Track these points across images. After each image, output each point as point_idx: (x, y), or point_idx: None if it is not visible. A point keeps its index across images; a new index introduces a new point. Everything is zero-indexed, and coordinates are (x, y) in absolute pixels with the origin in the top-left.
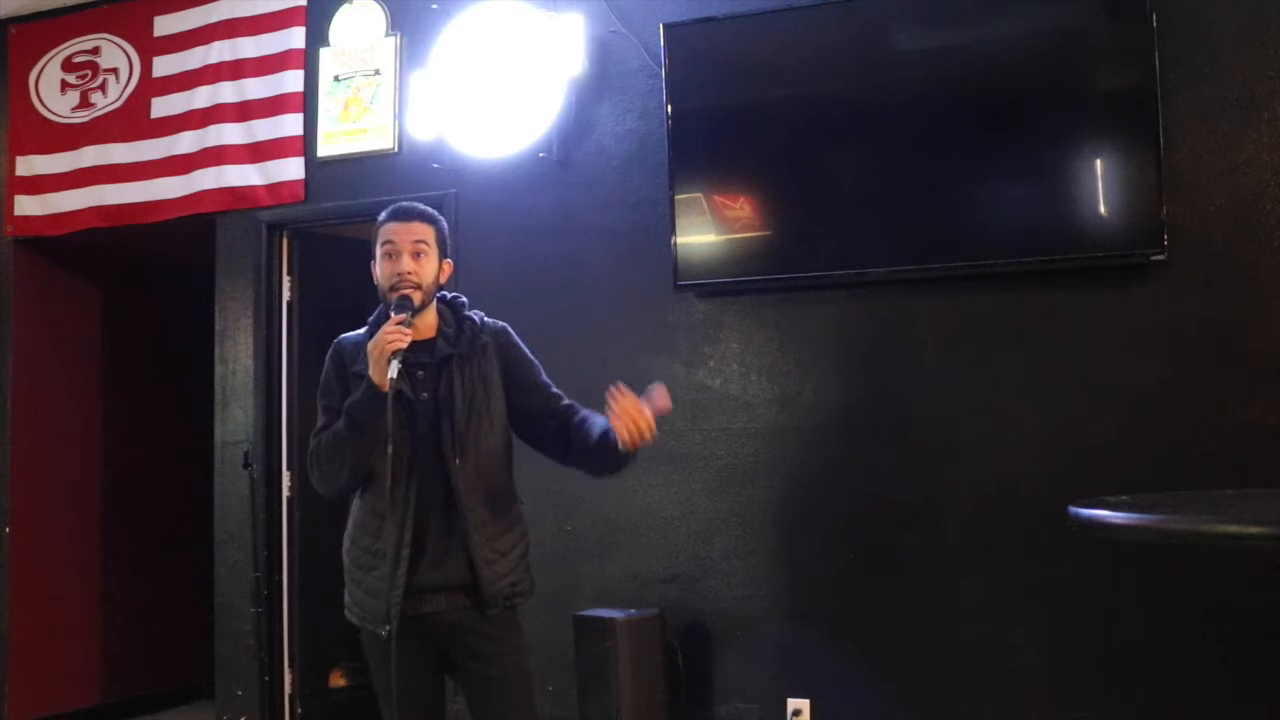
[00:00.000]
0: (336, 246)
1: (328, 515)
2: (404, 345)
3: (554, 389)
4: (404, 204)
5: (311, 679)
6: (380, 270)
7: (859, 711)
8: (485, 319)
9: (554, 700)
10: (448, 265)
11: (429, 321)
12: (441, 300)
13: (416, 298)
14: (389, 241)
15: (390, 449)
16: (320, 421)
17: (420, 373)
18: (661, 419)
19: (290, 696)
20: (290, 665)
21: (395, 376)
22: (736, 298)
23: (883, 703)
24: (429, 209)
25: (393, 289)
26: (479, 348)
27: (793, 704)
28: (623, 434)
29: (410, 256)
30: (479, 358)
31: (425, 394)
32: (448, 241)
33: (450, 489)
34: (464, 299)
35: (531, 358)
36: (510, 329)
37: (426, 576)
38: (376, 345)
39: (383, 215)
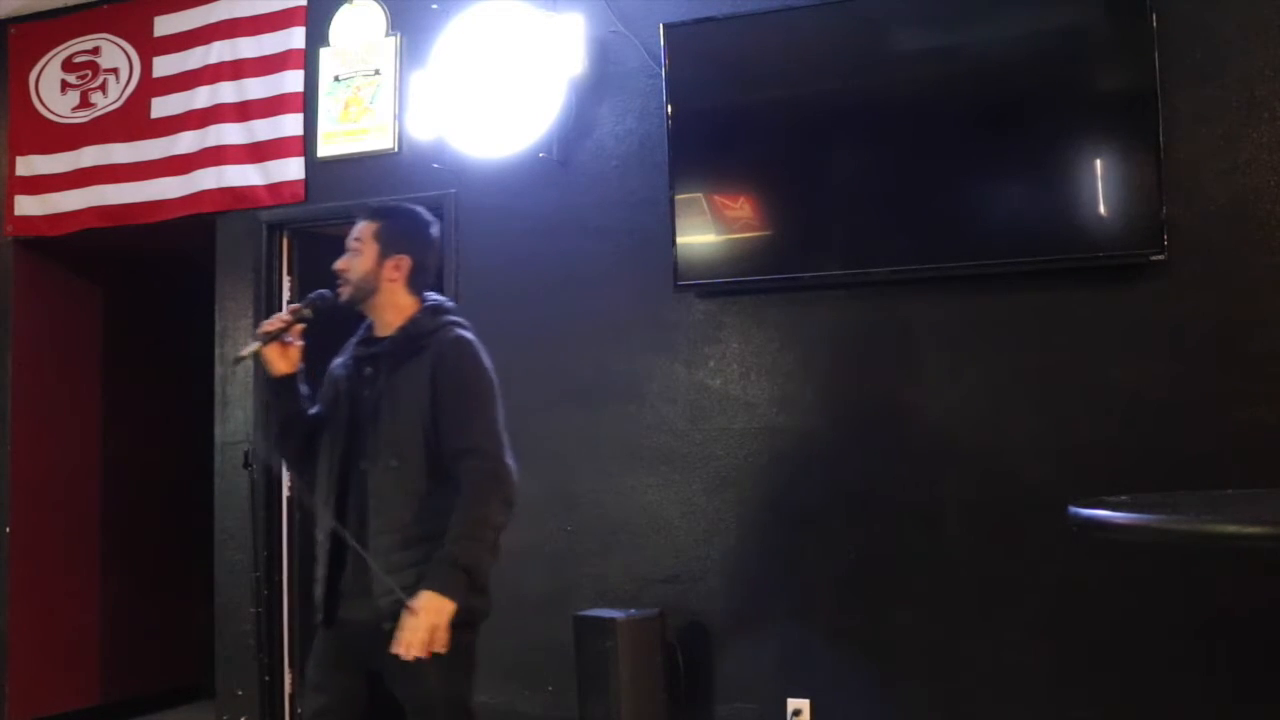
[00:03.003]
0: (336, 246)
1: None
2: (269, 329)
3: (468, 436)
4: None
5: None
6: None
7: (859, 711)
8: (450, 329)
9: (554, 700)
10: (397, 260)
11: (387, 320)
12: (424, 301)
13: (345, 292)
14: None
15: (328, 442)
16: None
17: (368, 369)
18: (662, 419)
19: (290, 696)
20: (290, 665)
21: (244, 355)
22: (736, 298)
23: (883, 703)
24: (382, 206)
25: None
26: (414, 350)
27: (793, 704)
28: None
29: (349, 254)
30: (413, 361)
31: (367, 391)
32: (398, 236)
33: (364, 492)
34: (446, 304)
35: (464, 386)
36: (468, 347)
37: (346, 580)
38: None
39: None
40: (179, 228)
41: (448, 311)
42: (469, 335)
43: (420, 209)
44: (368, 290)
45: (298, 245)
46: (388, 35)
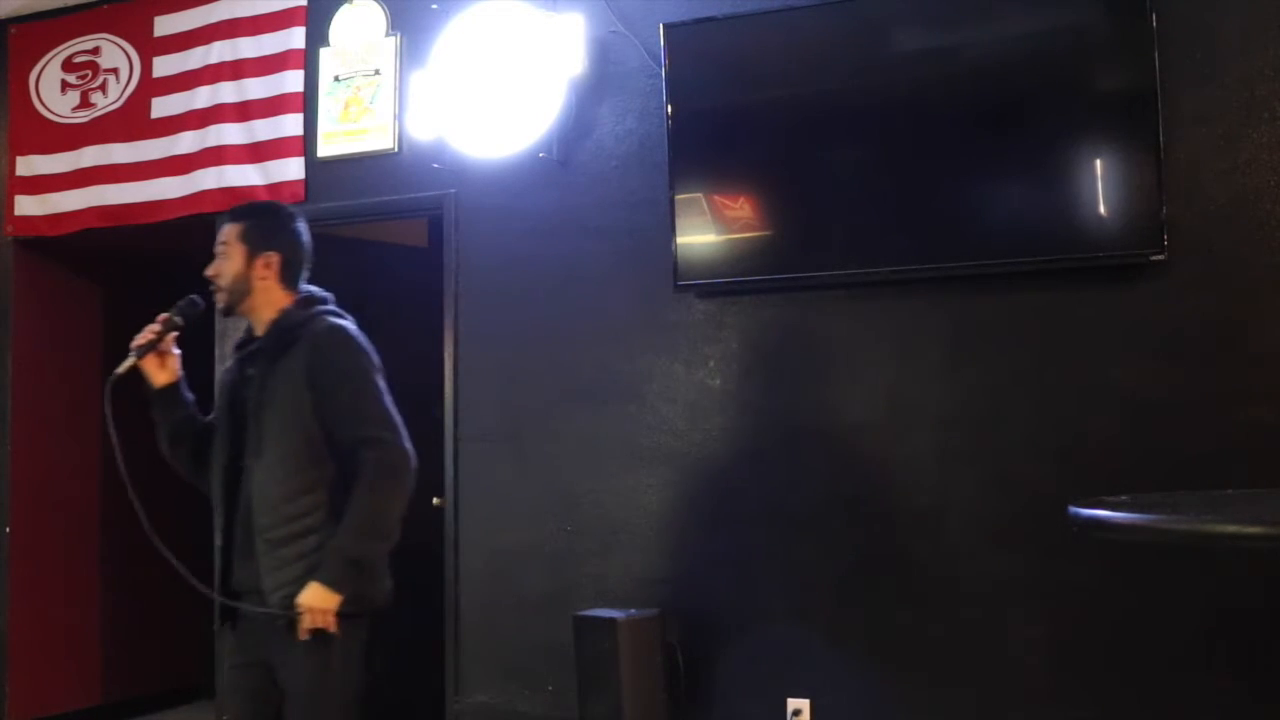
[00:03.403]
0: (336, 246)
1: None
2: (141, 342)
3: (362, 425)
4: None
5: None
6: None
7: (859, 711)
8: (321, 318)
9: (554, 700)
10: (266, 258)
11: (264, 319)
12: (299, 296)
13: (220, 298)
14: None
15: (217, 442)
16: None
17: (249, 370)
18: (662, 419)
19: None
20: None
21: (120, 372)
22: (736, 298)
23: (883, 702)
24: (245, 206)
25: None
26: (287, 344)
27: (793, 704)
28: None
29: (217, 259)
30: (287, 355)
31: (248, 391)
32: (264, 234)
33: (249, 489)
34: (320, 296)
35: (344, 375)
36: (340, 333)
37: (238, 576)
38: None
39: None
40: (179, 228)
41: (320, 301)
42: (342, 322)
43: (284, 205)
44: (242, 292)
45: None
46: (388, 35)
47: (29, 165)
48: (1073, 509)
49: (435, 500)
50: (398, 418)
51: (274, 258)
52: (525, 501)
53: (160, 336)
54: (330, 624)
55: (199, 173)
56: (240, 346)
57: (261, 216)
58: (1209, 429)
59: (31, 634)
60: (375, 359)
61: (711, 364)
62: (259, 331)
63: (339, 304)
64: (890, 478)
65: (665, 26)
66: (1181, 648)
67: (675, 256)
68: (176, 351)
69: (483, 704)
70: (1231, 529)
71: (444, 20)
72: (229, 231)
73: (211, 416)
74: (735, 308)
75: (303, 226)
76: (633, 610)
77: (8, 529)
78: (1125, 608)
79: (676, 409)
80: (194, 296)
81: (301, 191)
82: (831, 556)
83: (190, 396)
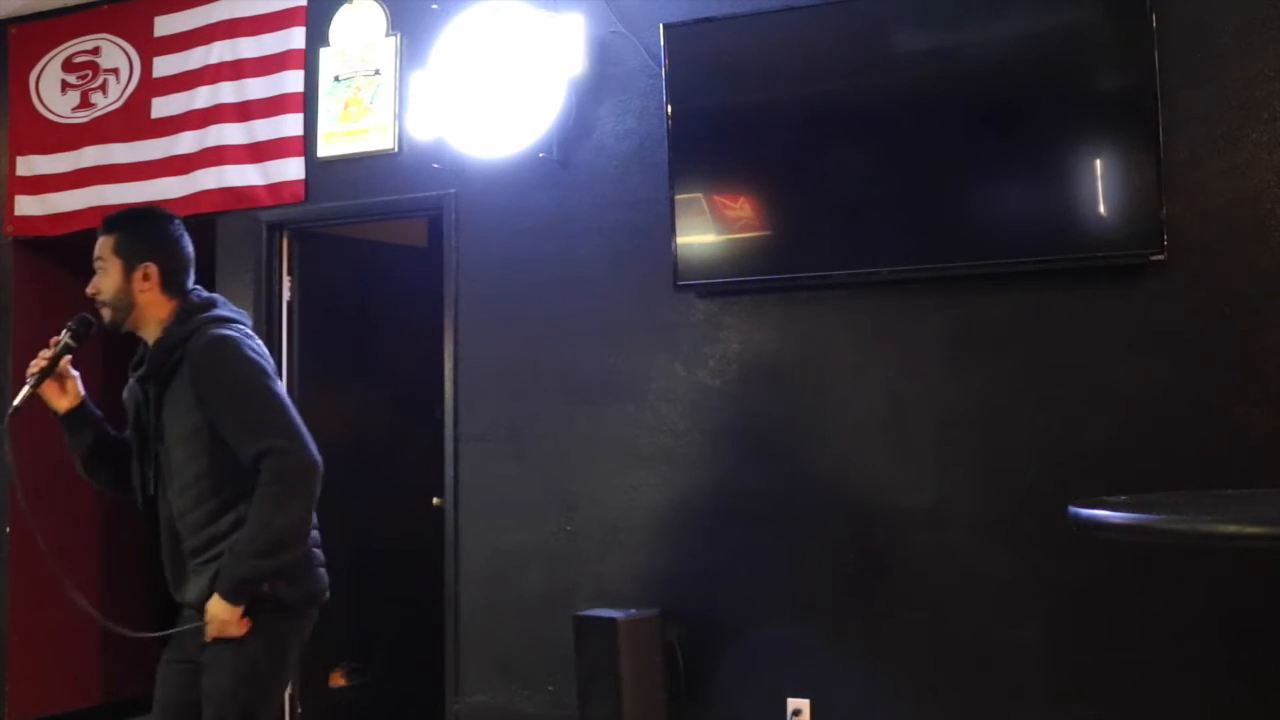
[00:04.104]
0: (336, 246)
1: (327, 515)
2: (35, 369)
3: (258, 438)
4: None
5: (311, 679)
6: None
7: (859, 711)
8: (201, 331)
9: (554, 700)
10: (145, 269)
11: (152, 334)
12: (183, 306)
13: (105, 315)
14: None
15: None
16: None
17: (147, 390)
18: (662, 419)
19: (290, 696)
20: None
21: (19, 404)
22: (736, 298)
23: (883, 703)
24: (116, 217)
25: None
26: (173, 366)
27: (793, 704)
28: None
29: (96, 274)
30: (176, 376)
31: (147, 414)
32: (139, 244)
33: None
34: (201, 303)
35: (230, 390)
36: (219, 346)
37: (175, 591)
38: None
39: None
40: None
41: (202, 308)
42: (223, 331)
43: (158, 209)
44: (125, 308)
45: (298, 245)
46: (388, 35)
47: (29, 165)
48: (1073, 509)
49: (435, 500)
50: (297, 422)
51: (152, 268)
52: (525, 501)
53: (54, 361)
54: (235, 632)
55: (199, 173)
56: (135, 367)
57: (135, 225)
58: (1209, 429)
59: (31, 634)
60: (264, 363)
61: (711, 364)
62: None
63: (337, 304)
64: (890, 478)
65: (665, 26)
66: (1181, 647)
67: (675, 256)
68: (75, 373)
69: (483, 704)
70: (1231, 529)
71: (444, 20)
72: (102, 245)
73: (127, 434)
74: (735, 308)
75: (180, 230)
76: (633, 610)
77: (8, 529)
78: (1125, 607)
79: (676, 409)
80: (86, 315)
81: (301, 191)
82: (831, 556)
83: (98, 414)
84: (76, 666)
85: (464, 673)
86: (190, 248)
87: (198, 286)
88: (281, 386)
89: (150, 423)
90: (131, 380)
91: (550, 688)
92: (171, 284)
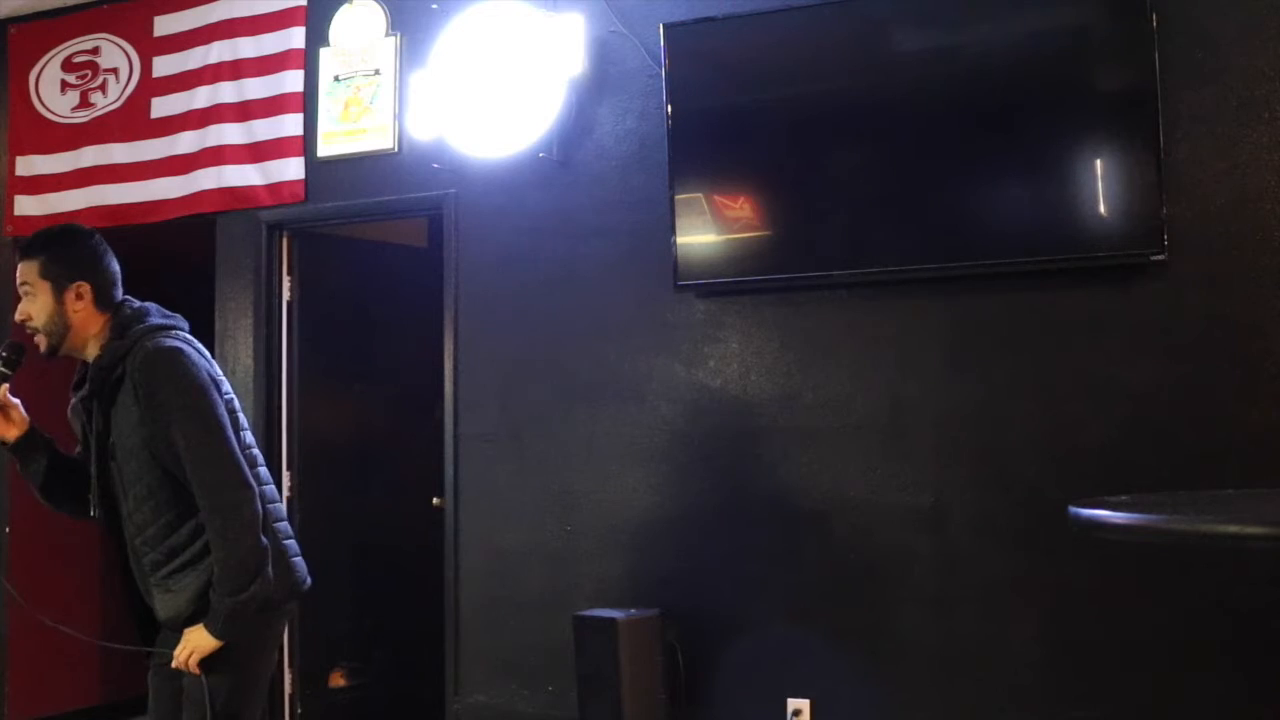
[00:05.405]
0: (336, 246)
1: (327, 515)
2: None
3: (193, 468)
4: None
5: (311, 679)
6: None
7: (859, 711)
8: (141, 344)
9: (554, 700)
10: (78, 289)
11: (91, 353)
12: (116, 319)
13: (41, 343)
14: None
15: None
16: None
17: (92, 410)
18: (662, 419)
19: (290, 696)
20: (290, 665)
21: None
22: (736, 298)
23: (883, 703)
24: (36, 240)
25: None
26: (115, 382)
27: (793, 704)
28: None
29: (23, 300)
30: (120, 392)
31: (94, 435)
32: (66, 265)
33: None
34: (133, 314)
35: (163, 408)
36: (158, 363)
37: (136, 606)
38: None
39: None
40: (179, 228)
41: (137, 319)
42: (161, 342)
43: (76, 226)
44: (61, 332)
45: (298, 245)
46: (388, 35)
47: (29, 165)
48: (1073, 509)
49: (435, 500)
50: (228, 444)
51: (85, 287)
52: (525, 501)
53: None
54: (197, 659)
55: (199, 173)
56: (77, 386)
57: (60, 246)
58: (1209, 429)
59: (31, 634)
60: (199, 376)
61: (711, 364)
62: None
63: (337, 304)
64: (890, 477)
65: (665, 26)
66: (1181, 647)
67: (675, 256)
68: (16, 401)
69: (482, 704)
70: (1232, 529)
71: (444, 20)
72: (27, 270)
73: (78, 453)
74: (735, 308)
75: (104, 244)
76: (633, 610)
77: (8, 529)
78: (1125, 607)
79: (676, 409)
80: (16, 341)
81: (301, 191)
82: (831, 556)
83: (47, 438)
84: (76, 666)
85: (464, 673)
86: (115, 262)
87: (129, 297)
88: (215, 396)
89: (100, 441)
90: (74, 399)
91: (550, 688)
92: (103, 299)
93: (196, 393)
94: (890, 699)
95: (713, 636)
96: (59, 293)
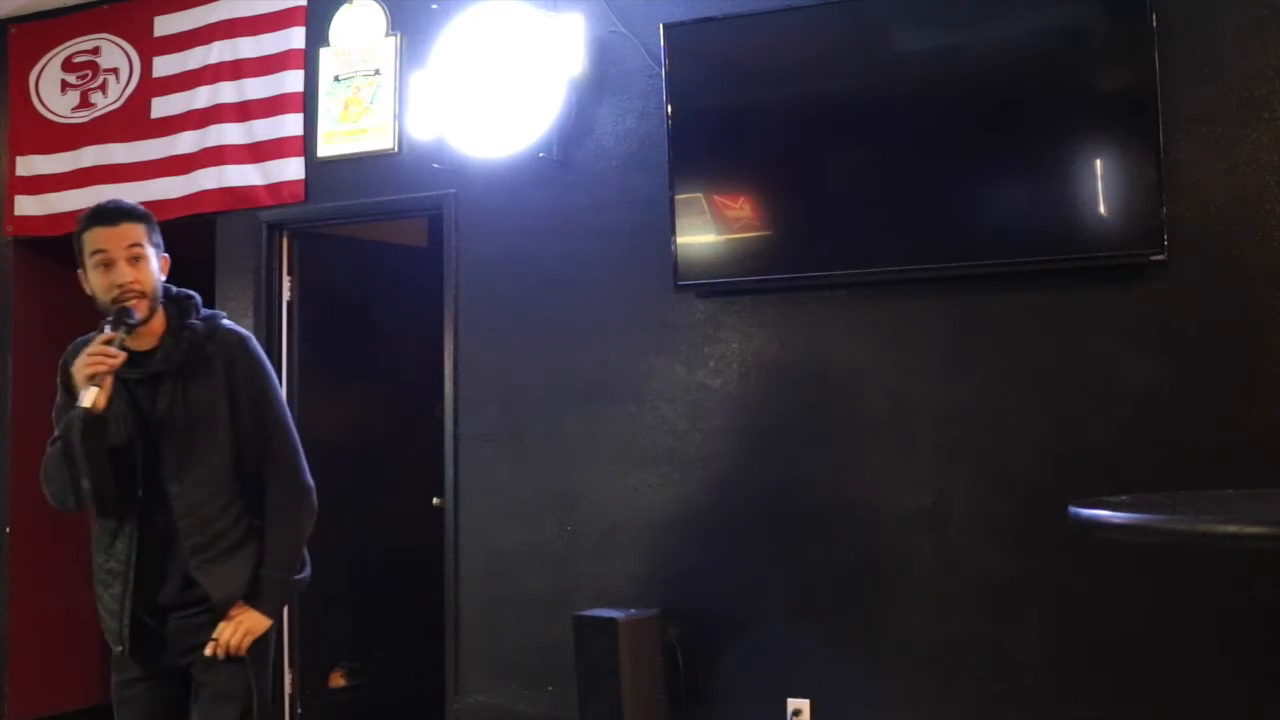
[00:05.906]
0: (336, 246)
1: (327, 515)
2: (104, 369)
3: (280, 430)
4: (107, 205)
5: (311, 679)
6: (95, 282)
7: (859, 711)
8: (221, 324)
9: (554, 700)
10: (165, 261)
11: (153, 329)
12: (169, 300)
13: (142, 308)
14: (99, 251)
15: (113, 468)
16: (54, 433)
17: (141, 388)
18: (662, 419)
19: (290, 696)
20: (290, 665)
21: (91, 405)
22: (736, 298)
23: (883, 703)
24: (134, 206)
25: (114, 301)
26: (202, 360)
27: (793, 704)
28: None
29: (128, 264)
30: (201, 372)
31: (147, 411)
32: (158, 233)
33: (171, 512)
34: (195, 297)
35: (266, 377)
36: (250, 340)
37: (159, 597)
38: (78, 367)
39: (84, 220)
40: (179, 228)
41: (192, 303)
42: (246, 331)
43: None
44: (157, 299)
45: (298, 245)
46: (388, 35)
47: (29, 165)
48: (1073, 509)
49: (435, 500)
50: (297, 438)
51: (166, 262)
52: (525, 501)
53: (119, 358)
54: (249, 642)
55: (199, 173)
56: (131, 365)
57: (150, 217)
58: (1209, 429)
59: (31, 634)
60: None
61: (711, 364)
62: (142, 344)
63: (337, 304)
64: (891, 477)
65: (665, 26)
66: (1181, 647)
67: (675, 256)
68: None
69: (483, 704)
70: (1232, 529)
71: (444, 20)
72: (141, 232)
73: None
74: (735, 308)
75: None
76: (633, 610)
77: (8, 529)
78: (1125, 608)
79: (676, 409)
80: (127, 309)
81: (301, 191)
82: (831, 556)
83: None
84: (76, 666)
85: (463, 673)
86: None
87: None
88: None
89: (163, 420)
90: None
91: (550, 688)
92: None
93: (278, 383)
94: (890, 699)
95: (713, 636)
96: (156, 260)
